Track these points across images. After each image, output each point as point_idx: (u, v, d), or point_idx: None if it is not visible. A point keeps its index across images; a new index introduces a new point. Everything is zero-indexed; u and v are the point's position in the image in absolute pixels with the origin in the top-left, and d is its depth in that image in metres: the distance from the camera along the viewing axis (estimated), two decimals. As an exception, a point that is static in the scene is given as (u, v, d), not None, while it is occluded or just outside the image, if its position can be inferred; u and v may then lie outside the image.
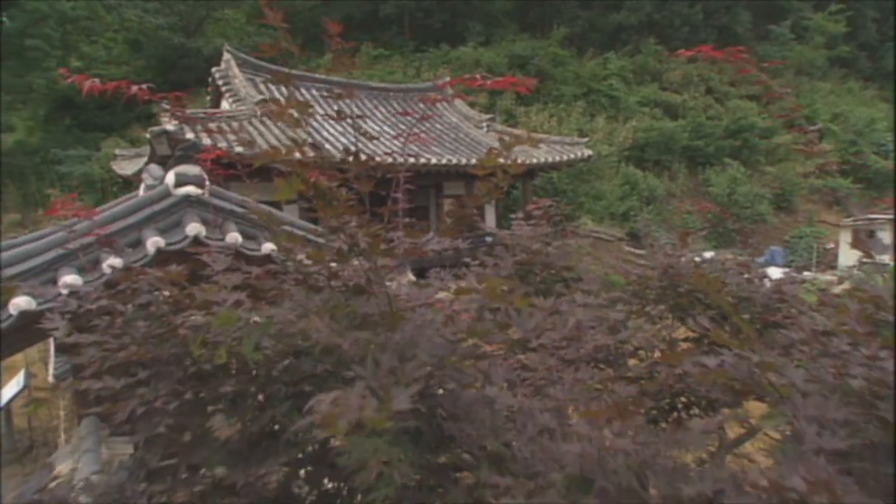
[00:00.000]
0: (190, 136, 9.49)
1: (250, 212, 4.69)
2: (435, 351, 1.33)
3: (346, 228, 1.52)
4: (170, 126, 9.22)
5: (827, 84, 35.27)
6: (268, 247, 4.47)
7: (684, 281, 3.25)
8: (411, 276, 12.56)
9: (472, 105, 24.50)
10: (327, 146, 12.41)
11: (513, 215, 17.76)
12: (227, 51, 14.53)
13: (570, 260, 3.39)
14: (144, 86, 1.81)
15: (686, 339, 3.32)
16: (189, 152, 4.24)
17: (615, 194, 22.65)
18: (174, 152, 4.24)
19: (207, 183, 4.38)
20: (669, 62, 32.64)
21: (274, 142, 11.39)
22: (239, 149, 10.34)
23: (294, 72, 16.23)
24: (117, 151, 15.80)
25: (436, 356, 1.31)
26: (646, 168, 26.03)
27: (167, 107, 9.48)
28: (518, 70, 27.87)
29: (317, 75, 16.69)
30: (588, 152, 15.93)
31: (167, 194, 4.26)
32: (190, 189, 4.27)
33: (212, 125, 10.68)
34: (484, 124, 16.93)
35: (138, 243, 4.08)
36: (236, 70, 13.82)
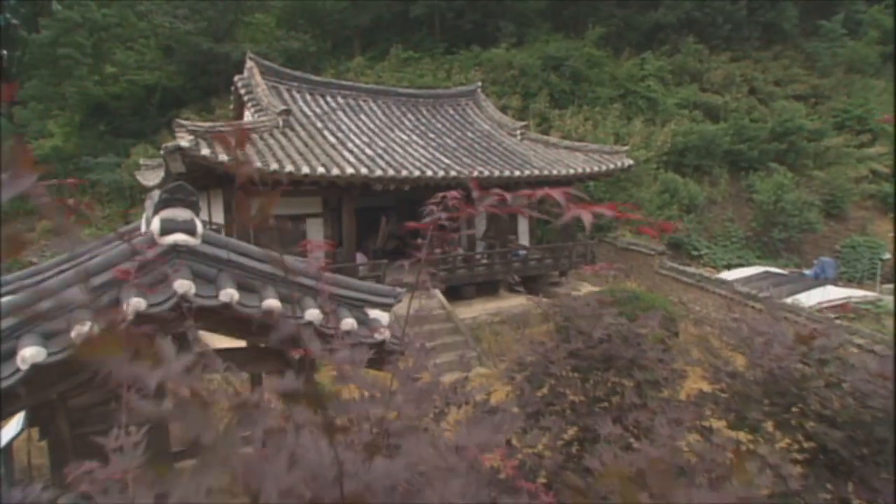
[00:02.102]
0: (206, 152, 8.99)
1: (253, 258, 4.07)
2: None
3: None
4: (184, 142, 8.71)
5: (881, 81, 33.25)
6: (270, 304, 3.83)
7: (790, 382, 2.46)
8: (441, 297, 11.70)
9: (503, 109, 23.70)
10: (351, 158, 11.82)
11: (549, 224, 16.65)
12: (250, 58, 14.03)
13: (644, 349, 2.63)
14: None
15: (795, 460, 2.52)
16: (177, 194, 3.63)
17: (654, 203, 21.56)
18: (161, 194, 3.63)
19: (200, 228, 3.76)
20: (710, 61, 31.27)
21: (296, 155, 10.84)
22: (257, 164, 9.83)
23: (318, 78, 15.72)
24: (141, 161, 15.56)
25: None
26: (685, 173, 24.83)
27: (182, 121, 8.99)
28: (552, 72, 26.96)
29: (343, 82, 16.14)
30: (629, 162, 14.96)
31: (152, 243, 3.66)
32: (178, 237, 3.65)
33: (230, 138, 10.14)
34: (518, 132, 16.09)
35: (116, 303, 3.49)
36: (259, 78, 13.32)
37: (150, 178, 13.83)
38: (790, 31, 34.46)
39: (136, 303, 3.39)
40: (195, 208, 3.74)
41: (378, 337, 4.31)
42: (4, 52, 24.24)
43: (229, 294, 3.66)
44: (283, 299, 4.08)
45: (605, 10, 32.47)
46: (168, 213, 3.65)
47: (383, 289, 4.65)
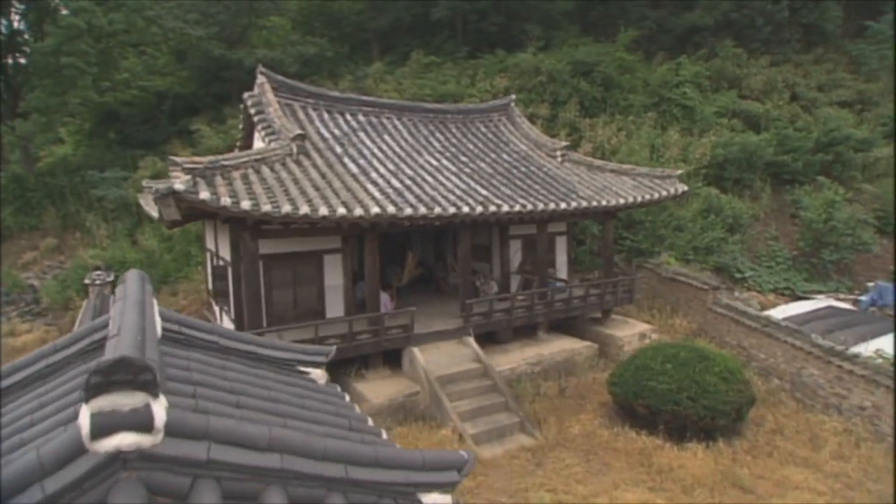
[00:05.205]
0: (205, 195, 7.57)
1: (251, 448, 2.60)
2: None
3: None
4: (179, 184, 7.28)
5: (932, 87, 31.12)
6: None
7: None
8: (475, 347, 10.00)
9: (531, 117, 22.10)
10: (376, 192, 10.36)
11: (583, 246, 14.87)
12: (261, 72, 12.51)
13: None
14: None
15: None
16: (115, 375, 2.19)
17: (697, 223, 19.84)
18: (90, 377, 2.17)
19: (162, 417, 2.31)
20: (749, 66, 29.39)
21: (312, 192, 9.38)
22: (266, 207, 8.41)
23: (337, 94, 14.24)
24: (144, 183, 14.22)
25: None
26: (725, 188, 23.07)
27: (176, 159, 7.56)
28: (581, 78, 25.31)
29: (364, 97, 14.62)
30: (683, 188, 13.31)
31: (79, 451, 2.22)
32: (123, 440, 2.22)
33: (235, 174, 8.73)
34: (558, 153, 14.47)
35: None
36: (270, 96, 11.85)
37: (153, 204, 12.48)
38: (833, 32, 32.47)
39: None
40: (151, 388, 2.28)
41: (439, 549, 2.84)
42: (9, 60, 23.10)
43: (208, 535, 2.20)
44: (296, 501, 2.63)
45: (637, 12, 30.72)
46: (103, 401, 2.19)
47: (442, 457, 3.18)
